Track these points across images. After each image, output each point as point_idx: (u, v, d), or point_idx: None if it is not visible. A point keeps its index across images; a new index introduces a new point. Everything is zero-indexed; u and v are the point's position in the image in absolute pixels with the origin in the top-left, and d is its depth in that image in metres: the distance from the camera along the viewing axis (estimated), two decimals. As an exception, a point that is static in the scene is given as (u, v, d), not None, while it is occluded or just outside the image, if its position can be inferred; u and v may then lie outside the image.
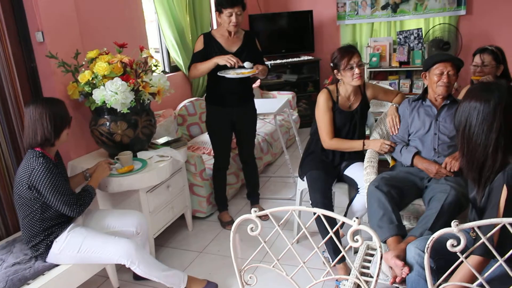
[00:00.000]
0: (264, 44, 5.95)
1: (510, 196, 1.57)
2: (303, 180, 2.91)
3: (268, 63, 5.66)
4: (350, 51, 2.75)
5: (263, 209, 3.47)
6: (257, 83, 5.29)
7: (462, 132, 1.69)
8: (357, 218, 1.30)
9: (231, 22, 3.02)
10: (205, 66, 3.08)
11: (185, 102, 4.33)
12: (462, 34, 5.51)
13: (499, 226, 1.24)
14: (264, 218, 3.49)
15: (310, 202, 2.68)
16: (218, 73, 3.02)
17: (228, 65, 2.96)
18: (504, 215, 1.58)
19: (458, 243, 1.24)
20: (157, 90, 2.95)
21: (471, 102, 1.66)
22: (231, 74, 3.00)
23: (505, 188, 1.58)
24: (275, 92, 5.50)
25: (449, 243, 1.25)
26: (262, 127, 4.57)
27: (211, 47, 3.13)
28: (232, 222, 3.45)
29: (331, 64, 2.81)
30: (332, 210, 2.69)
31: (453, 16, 5.50)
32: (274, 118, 3.73)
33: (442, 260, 1.75)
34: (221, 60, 2.99)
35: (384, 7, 5.72)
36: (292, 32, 6.01)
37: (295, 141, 5.09)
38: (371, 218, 2.29)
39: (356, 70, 2.72)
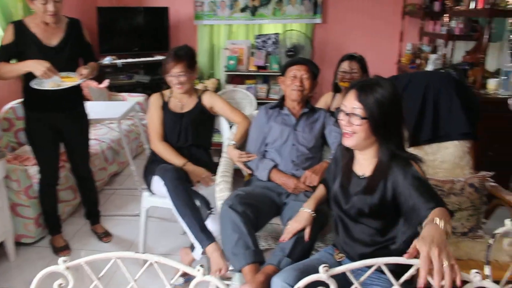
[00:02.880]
0: (115, 41, 5.52)
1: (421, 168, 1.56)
2: (151, 191, 2.55)
3: (119, 61, 5.15)
4: (178, 57, 2.53)
5: (104, 230, 3.07)
6: (105, 83, 4.73)
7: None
8: (201, 266, 1.00)
9: (47, 11, 2.41)
10: (15, 69, 2.46)
11: (13, 103, 3.63)
12: (317, 41, 5.61)
13: (375, 266, 1.03)
14: (105, 239, 3.03)
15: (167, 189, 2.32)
16: (31, 84, 2.45)
17: (45, 78, 2.39)
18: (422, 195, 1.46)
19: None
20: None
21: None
22: (48, 85, 2.45)
23: (413, 164, 1.55)
24: (125, 94, 4.97)
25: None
26: (108, 133, 4.04)
27: (24, 40, 2.49)
28: (66, 247, 2.92)
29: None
30: (189, 194, 2.33)
31: (309, 24, 5.56)
32: (119, 124, 3.26)
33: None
34: (37, 70, 2.34)
35: (243, 10, 5.57)
36: (146, 30, 5.54)
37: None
38: (225, 243, 2.00)
39: (174, 81, 2.55)
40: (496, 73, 3.83)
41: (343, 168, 1.75)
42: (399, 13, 5.44)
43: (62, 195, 3.10)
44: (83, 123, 2.87)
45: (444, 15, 4.06)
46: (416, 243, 1.08)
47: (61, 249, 2.88)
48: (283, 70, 2.49)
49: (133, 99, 4.77)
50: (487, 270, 1.09)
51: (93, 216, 3.15)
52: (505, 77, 3.39)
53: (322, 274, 1.01)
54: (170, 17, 5.55)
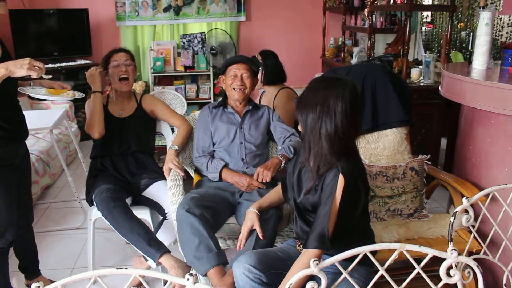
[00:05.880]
0: (32, 46, 5.15)
1: (348, 185, 1.51)
2: (95, 206, 2.42)
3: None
4: (120, 48, 2.58)
5: (51, 281, 2.26)
6: (25, 91, 4.42)
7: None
8: (190, 274, 0.98)
9: None
10: None
11: None
12: (242, 39, 5.65)
13: (361, 255, 1.07)
14: None
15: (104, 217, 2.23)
16: (22, 90, 2.11)
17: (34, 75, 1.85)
18: (341, 205, 1.51)
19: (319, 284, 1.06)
20: None
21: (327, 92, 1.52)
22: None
23: (341, 177, 1.51)
24: (48, 102, 4.69)
25: (309, 286, 1.04)
26: (35, 144, 3.78)
27: None
28: None
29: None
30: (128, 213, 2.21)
31: (234, 22, 5.59)
32: (50, 133, 3.07)
33: (273, 274, 1.60)
34: (21, 69, 1.80)
35: (166, 9, 5.47)
36: (65, 33, 5.25)
37: (76, 157, 4.44)
38: (185, 248, 1.97)
39: (122, 68, 2.51)
40: (415, 63, 4.08)
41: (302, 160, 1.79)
42: (320, 9, 5.63)
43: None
44: (28, 153, 2.30)
45: (365, 10, 4.25)
46: None
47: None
48: (223, 69, 2.47)
49: (57, 106, 4.51)
50: (451, 246, 1.16)
51: (32, 268, 2.45)
52: (426, 67, 3.62)
53: (313, 268, 1.03)
54: (91, 18, 5.30)
